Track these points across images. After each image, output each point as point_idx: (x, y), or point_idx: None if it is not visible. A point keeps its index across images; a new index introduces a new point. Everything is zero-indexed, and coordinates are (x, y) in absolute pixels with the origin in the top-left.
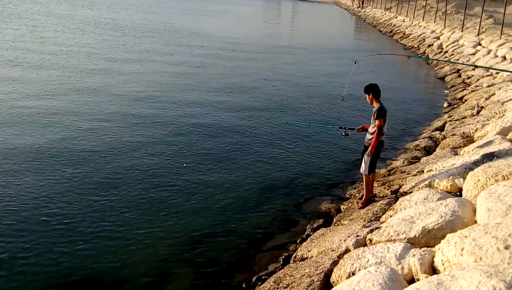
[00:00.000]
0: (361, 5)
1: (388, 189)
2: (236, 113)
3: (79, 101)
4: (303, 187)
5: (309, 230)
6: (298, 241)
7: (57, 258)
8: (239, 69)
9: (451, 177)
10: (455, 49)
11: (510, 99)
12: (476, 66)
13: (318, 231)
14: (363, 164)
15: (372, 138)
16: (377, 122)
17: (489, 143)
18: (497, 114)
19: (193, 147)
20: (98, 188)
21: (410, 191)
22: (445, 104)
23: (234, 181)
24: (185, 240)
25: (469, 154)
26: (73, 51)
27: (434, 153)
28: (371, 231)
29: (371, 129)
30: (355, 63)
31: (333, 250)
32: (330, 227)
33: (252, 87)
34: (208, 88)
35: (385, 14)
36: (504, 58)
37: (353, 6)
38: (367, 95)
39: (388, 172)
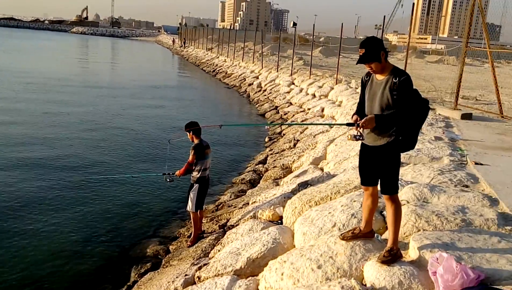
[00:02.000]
0: (183, 45)
1: (216, 224)
2: (48, 166)
3: None
4: (128, 232)
5: (136, 276)
6: (123, 289)
7: None
8: (47, 115)
9: (273, 206)
10: (272, 88)
11: (321, 132)
12: (318, 124)
13: (145, 276)
14: (189, 202)
15: (197, 174)
16: (190, 157)
17: (304, 172)
18: (310, 146)
19: None
20: None
21: (237, 223)
22: (267, 139)
23: (51, 232)
24: None
25: (288, 184)
26: None
27: (258, 185)
28: (200, 268)
29: (194, 166)
30: (169, 142)
31: None
32: (159, 270)
33: (62, 139)
34: (10, 139)
35: (207, 54)
36: (314, 95)
37: (174, 45)
38: (188, 133)
39: (216, 207)
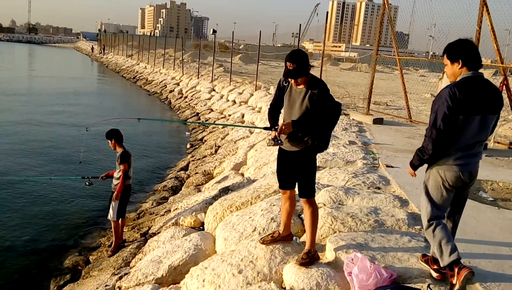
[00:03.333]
0: (102, 51)
1: (138, 232)
2: None
3: None
4: (47, 242)
5: (55, 288)
6: None
7: None
8: None
9: (194, 213)
10: (193, 94)
11: (241, 138)
12: (238, 126)
13: (64, 288)
14: (110, 210)
15: (119, 183)
16: (121, 166)
17: (225, 178)
18: (231, 152)
19: None
20: None
21: (158, 231)
22: (188, 145)
23: None
24: None
25: (209, 189)
26: None
27: (180, 192)
28: (120, 278)
29: (117, 174)
30: (86, 130)
31: None
32: (78, 281)
33: None
34: None
35: (127, 60)
36: (234, 102)
37: (93, 52)
38: (109, 141)
39: (137, 215)
